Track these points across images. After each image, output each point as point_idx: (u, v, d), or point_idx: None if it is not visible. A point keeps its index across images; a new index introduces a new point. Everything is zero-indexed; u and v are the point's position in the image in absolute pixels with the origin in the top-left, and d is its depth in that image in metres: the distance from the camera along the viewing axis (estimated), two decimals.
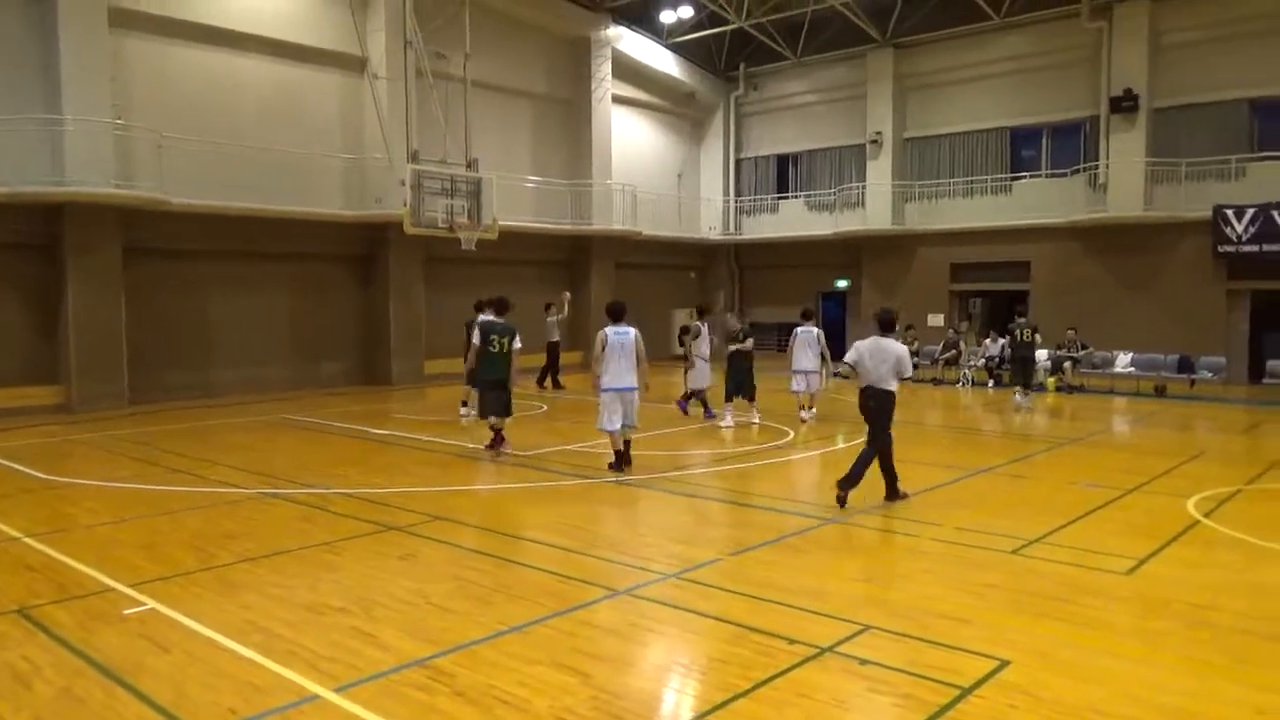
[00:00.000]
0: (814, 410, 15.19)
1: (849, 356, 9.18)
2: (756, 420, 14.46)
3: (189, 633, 5.49)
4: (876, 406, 8.88)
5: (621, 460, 10.56)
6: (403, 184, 17.07)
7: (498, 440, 11.63)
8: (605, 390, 10.39)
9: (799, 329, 14.95)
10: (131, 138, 16.57)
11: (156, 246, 17.41)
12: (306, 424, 14.76)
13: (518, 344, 11.50)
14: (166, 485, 9.93)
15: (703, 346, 15.14)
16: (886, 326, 9.13)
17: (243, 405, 17.02)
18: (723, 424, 14.20)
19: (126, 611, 5.86)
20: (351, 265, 20.95)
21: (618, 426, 10.42)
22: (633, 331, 10.49)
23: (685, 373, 15.42)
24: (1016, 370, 17.58)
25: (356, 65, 20.49)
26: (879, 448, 8.90)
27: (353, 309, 20.98)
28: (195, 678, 4.85)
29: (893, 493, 9.00)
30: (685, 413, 15.36)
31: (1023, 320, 17.61)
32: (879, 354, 8.87)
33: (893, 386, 8.89)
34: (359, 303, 21.07)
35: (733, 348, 14.58)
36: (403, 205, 17.03)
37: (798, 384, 14.82)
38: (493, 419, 11.61)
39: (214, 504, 9.04)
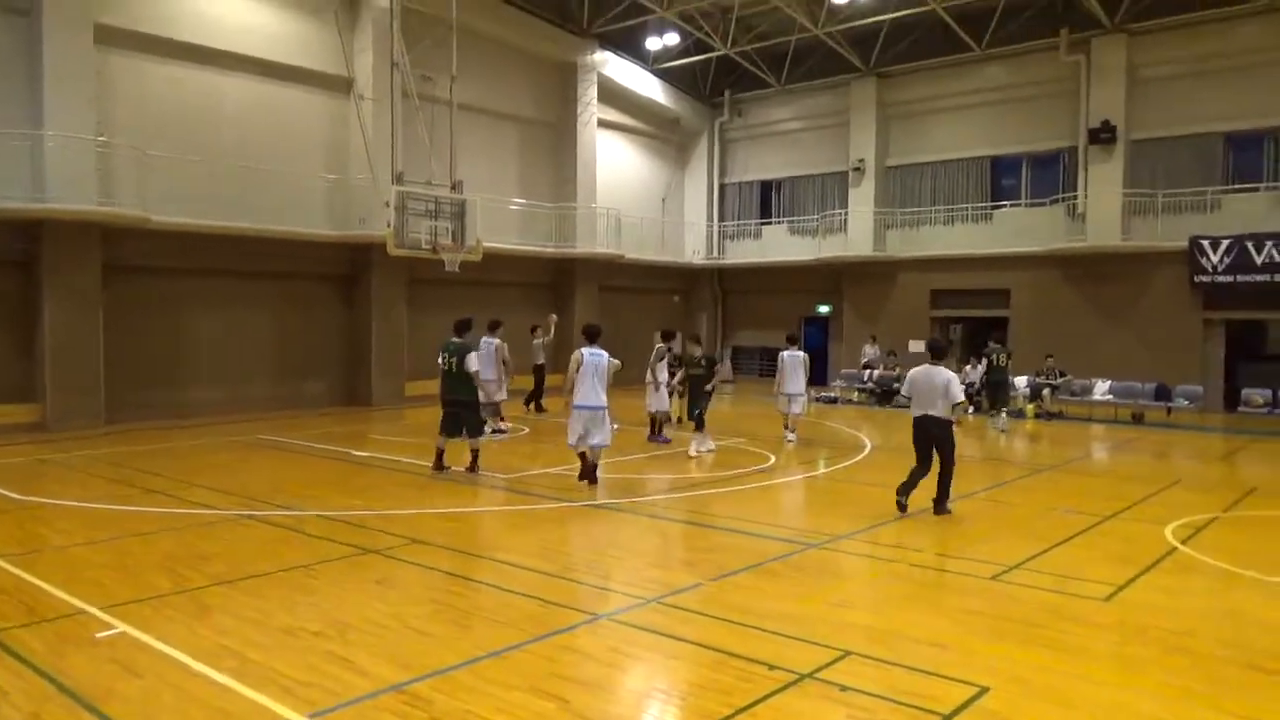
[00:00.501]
0: (797, 432, 15.37)
1: (904, 389, 9.88)
2: (696, 450, 13.49)
3: (161, 657, 5.40)
4: (940, 435, 9.42)
5: (586, 472, 11.01)
6: (387, 205, 17.05)
7: (472, 461, 11.75)
8: (576, 407, 10.88)
9: (785, 353, 15.37)
10: (114, 155, 16.50)
11: (137, 264, 17.29)
12: (285, 444, 14.64)
13: (469, 364, 11.44)
14: (141, 506, 9.81)
15: (662, 371, 15.21)
16: (938, 354, 9.67)
17: (221, 425, 16.87)
18: (691, 451, 13.59)
19: (98, 635, 5.76)
20: (334, 285, 20.87)
21: (576, 441, 10.94)
22: (605, 354, 11.05)
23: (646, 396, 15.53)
24: (990, 394, 17.90)
25: (342, 86, 20.54)
26: (950, 468, 9.56)
27: (334, 329, 20.88)
28: (166, 704, 4.77)
29: (942, 507, 9.58)
30: (666, 441, 15.22)
31: (996, 346, 17.97)
32: (930, 381, 9.39)
33: (947, 413, 9.38)
34: (341, 323, 20.98)
35: (693, 373, 14.38)
36: (387, 226, 16.99)
37: (784, 406, 15.28)
38: (440, 439, 11.83)
39: (189, 525, 8.94)
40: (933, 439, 9.45)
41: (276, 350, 19.83)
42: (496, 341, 15.86)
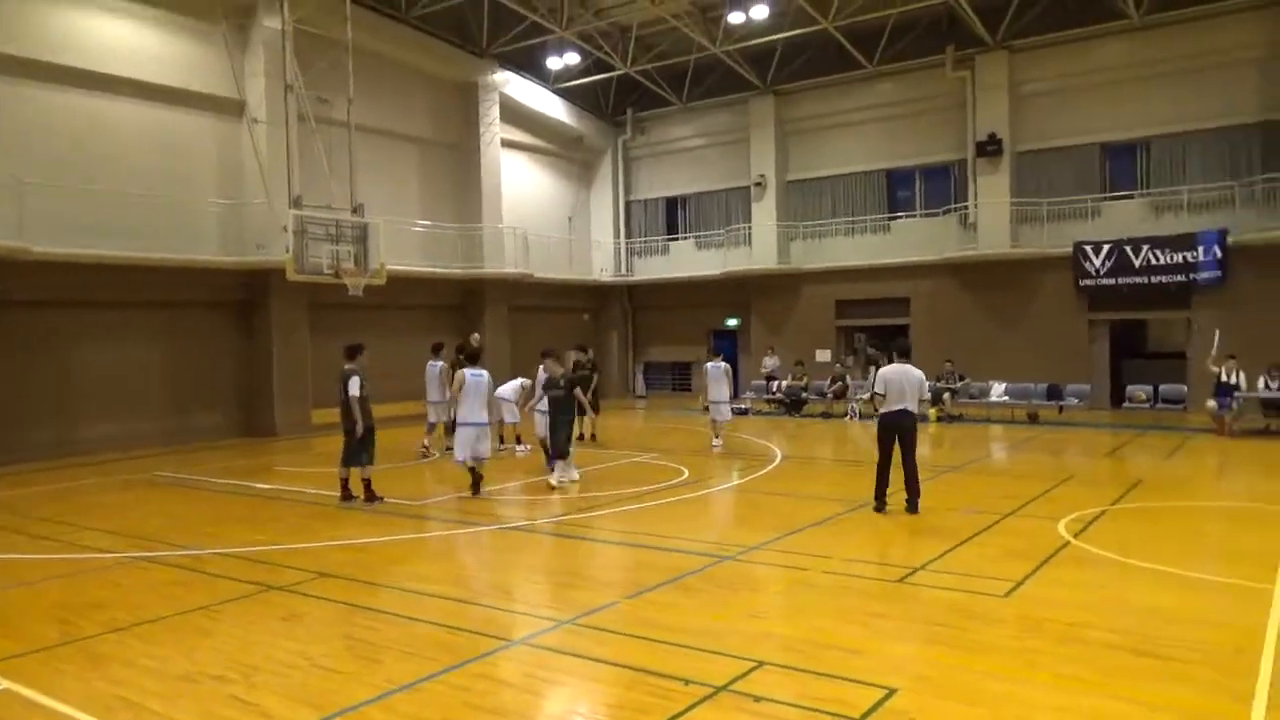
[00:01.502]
0: (723, 439, 16.09)
1: (877, 386, 10.24)
2: (557, 480, 12.39)
3: (51, 714, 5.12)
4: (913, 428, 10.12)
5: (477, 484, 11.71)
6: (285, 230, 16.65)
7: (343, 491, 11.63)
8: (462, 424, 11.57)
9: (708, 364, 16.41)
10: None
11: (19, 298, 16.42)
12: (183, 481, 14.08)
13: (352, 389, 11.17)
14: (26, 553, 9.29)
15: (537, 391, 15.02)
16: (906, 354, 10.35)
17: (115, 463, 16.13)
18: (552, 481, 12.42)
19: None
20: (231, 313, 20.19)
21: (466, 456, 11.59)
22: (486, 374, 11.80)
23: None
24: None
25: (234, 109, 19.98)
26: (915, 462, 10.18)
27: (232, 358, 20.19)
28: None
29: (914, 505, 10.08)
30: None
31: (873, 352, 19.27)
32: (908, 379, 10.03)
33: (917, 409, 10.17)
34: (240, 352, 20.29)
35: (552, 394, 12.84)
36: (285, 251, 16.59)
37: (713, 413, 16.06)
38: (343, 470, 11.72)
39: (79, 571, 8.50)
40: (906, 431, 10.02)
41: (171, 382, 19.07)
42: (441, 364, 15.81)
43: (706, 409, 16.16)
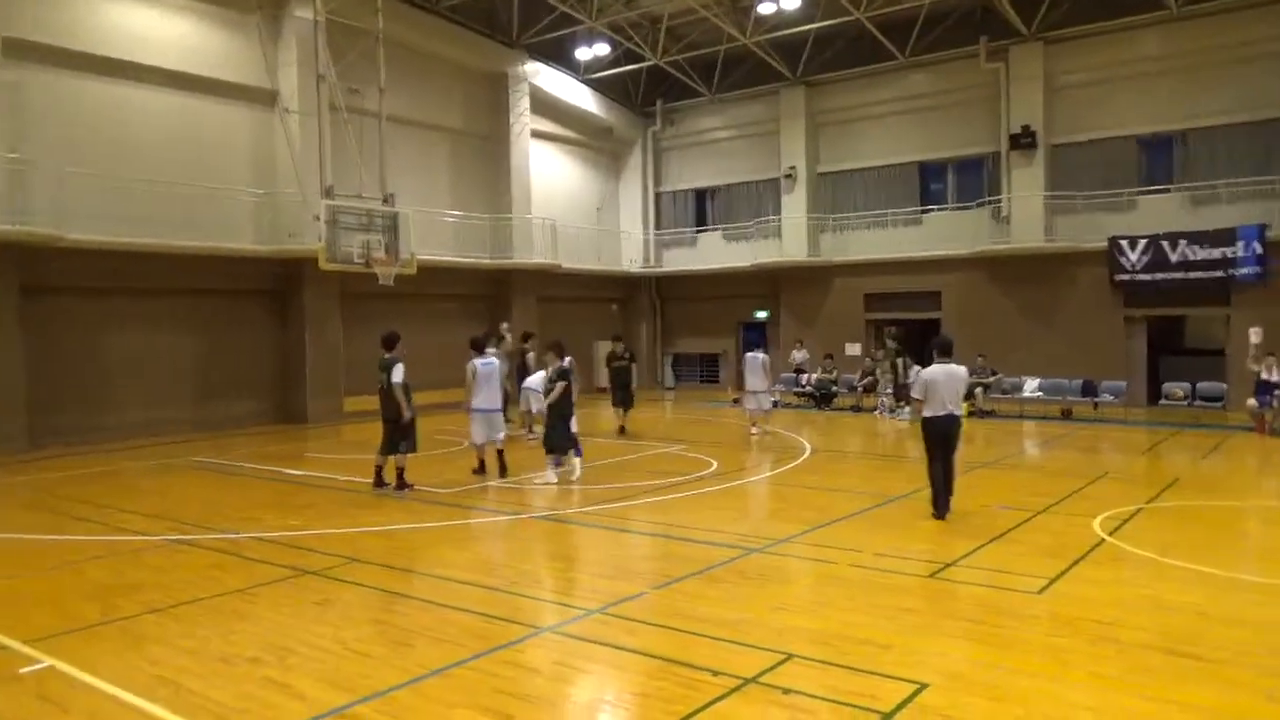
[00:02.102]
0: (760, 428, 16.63)
1: (916, 390, 9.57)
2: (543, 479, 12.04)
3: (90, 691, 5.23)
4: (959, 430, 9.53)
5: (484, 467, 12.42)
6: (317, 219, 16.80)
7: (376, 478, 11.70)
8: (476, 410, 12.15)
9: (748, 354, 17.23)
10: (27, 172, 15.93)
11: (57, 285, 16.72)
12: (218, 466, 14.28)
13: (396, 376, 11.21)
14: (68, 535, 9.48)
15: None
16: (948, 351, 9.62)
17: (151, 448, 16.39)
18: (536, 480, 12.13)
19: (23, 670, 5.55)
20: (264, 301, 20.42)
21: (483, 441, 12.30)
22: (496, 361, 12.47)
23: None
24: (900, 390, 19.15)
25: (267, 99, 20.16)
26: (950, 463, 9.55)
27: (266, 346, 20.43)
28: None
29: (945, 507, 9.54)
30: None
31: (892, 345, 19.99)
32: (953, 379, 9.46)
33: (960, 411, 9.56)
34: (272, 340, 20.53)
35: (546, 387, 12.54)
36: (318, 240, 16.74)
37: (749, 403, 16.84)
38: (379, 457, 11.69)
39: (119, 553, 8.66)
40: (954, 436, 9.51)
41: (205, 369, 19.32)
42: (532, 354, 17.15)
43: (736, 401, 16.30)
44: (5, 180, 15.52)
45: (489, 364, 12.32)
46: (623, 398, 17.64)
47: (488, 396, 12.26)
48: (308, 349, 20.28)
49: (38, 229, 15.69)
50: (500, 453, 12.46)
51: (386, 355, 11.45)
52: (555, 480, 11.88)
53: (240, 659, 5.71)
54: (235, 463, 14.52)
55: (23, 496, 11.90)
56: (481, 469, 12.58)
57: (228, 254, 18.84)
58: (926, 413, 9.49)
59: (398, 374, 11.23)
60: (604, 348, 24.85)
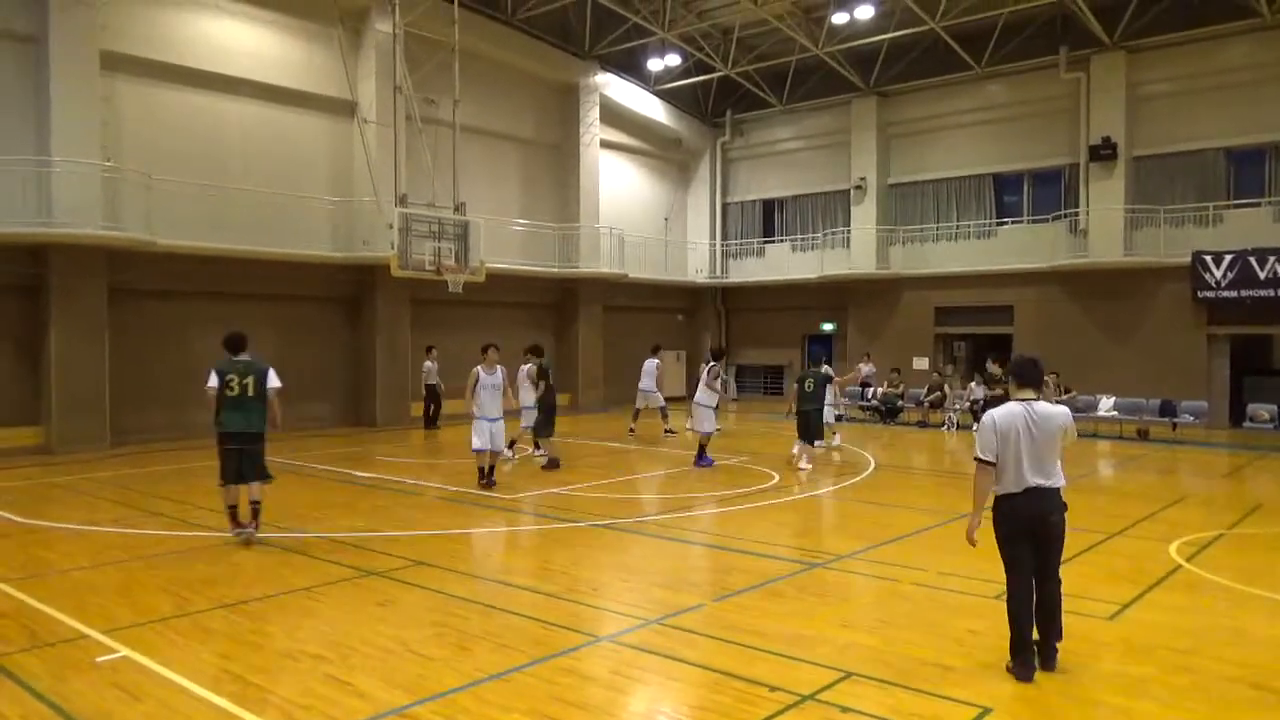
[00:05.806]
0: (826, 442, 16.34)
1: (986, 449, 5.54)
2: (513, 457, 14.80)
3: (162, 681, 5.40)
4: (1060, 518, 5.59)
5: (483, 475, 12.44)
6: (390, 227, 17.16)
7: (230, 515, 9.35)
8: (478, 419, 12.33)
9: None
10: (119, 179, 16.65)
11: (142, 288, 17.41)
12: (289, 466, 14.64)
13: (273, 382, 9.80)
14: (145, 529, 9.83)
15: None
16: (1035, 381, 5.75)
17: None
18: (538, 455, 14.62)
19: (99, 659, 5.76)
20: (337, 307, 20.94)
21: (484, 447, 12.38)
22: (500, 370, 12.62)
23: None
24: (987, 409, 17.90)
25: (346, 110, 20.70)
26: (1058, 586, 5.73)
27: (338, 351, 20.94)
28: None
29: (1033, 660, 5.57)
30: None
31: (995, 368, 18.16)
32: (1041, 428, 5.50)
33: (1063, 481, 5.64)
34: (345, 344, 21.04)
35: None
36: (390, 248, 17.10)
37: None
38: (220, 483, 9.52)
39: (193, 548, 8.95)
40: (1051, 526, 5.61)
41: (281, 372, 19.65)
42: (656, 361, 18.54)
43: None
44: (99, 187, 16.20)
45: (492, 374, 12.50)
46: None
47: (490, 405, 12.39)
48: (378, 354, 20.72)
49: (131, 234, 16.36)
50: (493, 468, 12.53)
51: (241, 356, 9.98)
52: (512, 456, 14.53)
53: (304, 655, 5.84)
54: (306, 464, 14.88)
55: (103, 492, 12.36)
56: (483, 477, 12.51)
57: (308, 260, 19.37)
58: (999, 488, 5.61)
59: (273, 379, 9.91)
60: (668, 359, 24.83)
